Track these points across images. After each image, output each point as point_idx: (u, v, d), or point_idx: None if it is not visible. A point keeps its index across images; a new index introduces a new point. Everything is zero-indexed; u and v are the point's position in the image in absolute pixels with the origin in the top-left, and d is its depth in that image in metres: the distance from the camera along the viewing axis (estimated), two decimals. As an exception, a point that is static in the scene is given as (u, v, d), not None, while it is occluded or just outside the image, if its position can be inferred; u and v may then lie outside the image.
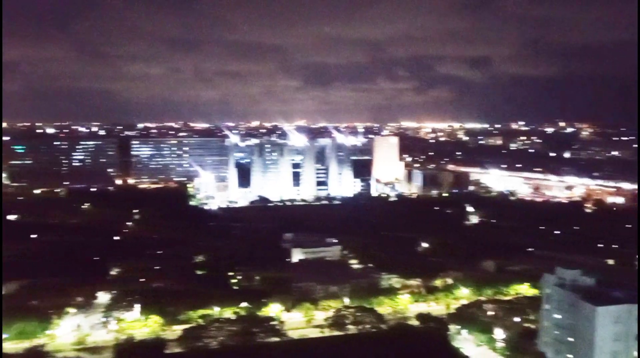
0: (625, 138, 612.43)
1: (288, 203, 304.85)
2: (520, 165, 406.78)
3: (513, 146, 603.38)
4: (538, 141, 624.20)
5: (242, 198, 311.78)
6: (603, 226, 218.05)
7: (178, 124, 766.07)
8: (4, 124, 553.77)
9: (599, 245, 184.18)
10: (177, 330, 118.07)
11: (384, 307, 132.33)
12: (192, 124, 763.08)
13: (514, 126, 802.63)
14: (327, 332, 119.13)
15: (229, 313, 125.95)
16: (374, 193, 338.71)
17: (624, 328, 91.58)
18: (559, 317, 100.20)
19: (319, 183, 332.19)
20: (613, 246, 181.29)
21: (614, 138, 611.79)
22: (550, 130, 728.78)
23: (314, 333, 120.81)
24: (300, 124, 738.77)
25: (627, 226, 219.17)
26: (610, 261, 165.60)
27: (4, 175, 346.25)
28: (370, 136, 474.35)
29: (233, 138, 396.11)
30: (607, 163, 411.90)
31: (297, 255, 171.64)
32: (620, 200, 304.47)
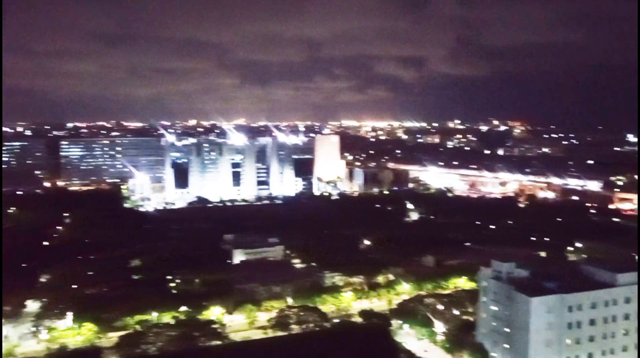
0: (555, 136, 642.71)
1: (228, 204, 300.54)
2: (457, 162, 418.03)
3: (450, 144, 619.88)
4: (473, 139, 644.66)
5: (179, 199, 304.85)
6: (535, 220, 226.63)
7: (110, 123, 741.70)
8: None
9: (532, 238, 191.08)
10: (112, 337, 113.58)
11: (328, 305, 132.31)
12: (125, 124, 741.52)
13: (450, 124, 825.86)
14: (271, 333, 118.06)
15: (167, 318, 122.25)
16: (315, 191, 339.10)
17: (556, 318, 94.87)
18: (496, 308, 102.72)
19: (260, 183, 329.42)
20: (545, 239, 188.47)
21: (544, 136, 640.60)
22: (484, 128, 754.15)
23: (257, 334, 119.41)
24: (239, 122, 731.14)
25: (557, 219, 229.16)
26: (543, 254, 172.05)
27: None
28: (311, 134, 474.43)
29: (169, 137, 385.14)
30: (538, 159, 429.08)
31: (238, 256, 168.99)
32: (550, 195, 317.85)
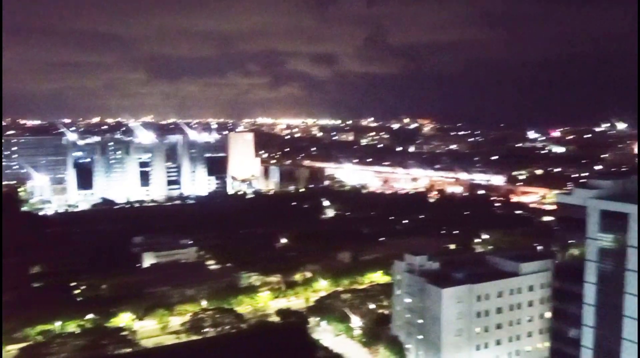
0: (462, 133, 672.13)
1: (136, 205, 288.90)
2: (371, 159, 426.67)
3: (364, 142, 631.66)
4: (386, 136, 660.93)
5: (83, 201, 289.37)
6: (445, 214, 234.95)
7: (6, 121, 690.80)
8: None
9: (442, 231, 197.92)
10: (11, 350, 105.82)
11: (244, 306, 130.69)
12: (22, 121, 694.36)
13: (364, 122, 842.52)
14: (184, 338, 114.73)
15: (72, 327, 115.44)
16: (230, 190, 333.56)
17: (465, 307, 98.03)
18: (409, 300, 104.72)
19: (171, 182, 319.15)
20: (454, 231, 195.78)
21: (451, 133, 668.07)
22: (396, 126, 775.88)
23: (170, 339, 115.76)
24: (147, 120, 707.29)
25: (465, 212, 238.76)
26: (452, 246, 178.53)
27: None
28: (224, 132, 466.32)
29: (71, 136, 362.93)
30: (446, 155, 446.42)
31: (148, 259, 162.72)
32: (459, 189, 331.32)
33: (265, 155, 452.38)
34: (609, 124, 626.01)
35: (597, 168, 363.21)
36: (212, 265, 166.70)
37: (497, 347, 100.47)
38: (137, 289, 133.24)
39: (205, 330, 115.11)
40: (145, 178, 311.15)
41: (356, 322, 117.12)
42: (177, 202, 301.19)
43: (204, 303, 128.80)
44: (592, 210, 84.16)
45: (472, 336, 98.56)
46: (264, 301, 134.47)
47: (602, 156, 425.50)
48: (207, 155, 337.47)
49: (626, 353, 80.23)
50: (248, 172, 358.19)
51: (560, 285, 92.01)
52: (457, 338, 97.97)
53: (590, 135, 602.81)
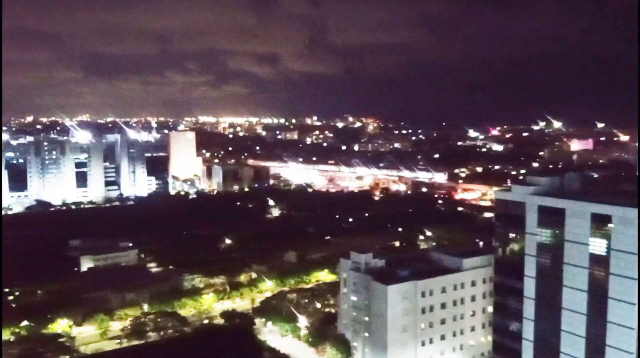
0: (405, 132, 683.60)
1: (73, 207, 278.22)
2: (316, 158, 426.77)
3: (308, 140, 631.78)
4: (330, 135, 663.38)
5: (16, 203, 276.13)
6: (389, 212, 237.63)
7: None
8: None
9: (387, 229, 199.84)
10: None
11: (188, 309, 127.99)
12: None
13: (308, 121, 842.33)
14: (125, 343, 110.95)
15: (7, 334, 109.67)
16: (171, 191, 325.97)
17: (410, 303, 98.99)
18: (355, 298, 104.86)
19: (109, 183, 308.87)
20: (399, 228, 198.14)
21: (395, 132, 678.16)
22: (340, 125, 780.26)
23: (111, 345, 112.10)
24: (83, 119, 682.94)
25: (409, 210, 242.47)
26: (397, 243, 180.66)
27: None
28: (165, 131, 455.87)
29: (2, 135, 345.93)
30: (390, 154, 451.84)
31: (86, 263, 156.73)
32: (402, 187, 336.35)
33: (208, 154, 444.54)
34: (545, 123, 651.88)
35: (534, 165, 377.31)
36: (153, 267, 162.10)
37: (442, 342, 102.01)
38: (75, 294, 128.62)
39: (147, 334, 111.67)
40: (82, 178, 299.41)
41: (303, 321, 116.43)
42: (116, 203, 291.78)
43: (146, 307, 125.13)
44: (530, 206, 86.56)
45: (418, 332, 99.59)
46: (208, 304, 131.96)
47: (539, 153, 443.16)
48: (147, 155, 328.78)
49: (566, 345, 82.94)
50: (190, 172, 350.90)
51: (501, 280, 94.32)
52: (403, 334, 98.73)
53: (528, 134, 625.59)
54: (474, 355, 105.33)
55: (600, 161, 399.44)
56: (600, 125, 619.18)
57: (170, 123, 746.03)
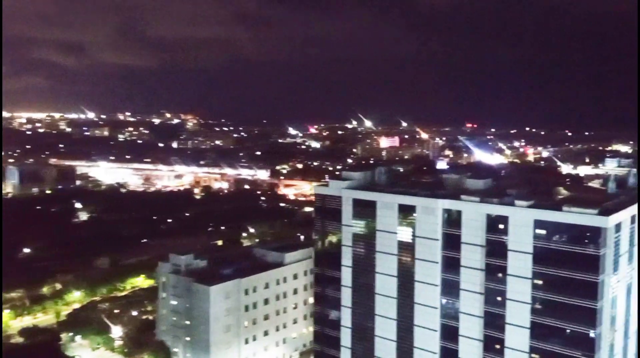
0: (226, 129, 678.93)
1: None
2: (130, 156, 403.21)
3: (121, 137, 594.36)
4: (146, 131, 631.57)
5: None
6: (211, 210, 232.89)
7: None
8: None
9: (209, 228, 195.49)
10: None
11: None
12: None
13: (120, 116, 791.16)
14: None
15: None
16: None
17: (234, 302, 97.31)
18: (176, 302, 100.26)
19: None
20: (221, 227, 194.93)
21: (215, 129, 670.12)
22: (157, 121, 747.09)
23: None
24: None
25: (232, 208, 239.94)
26: (220, 242, 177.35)
27: None
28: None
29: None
30: (211, 151, 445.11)
31: None
32: (225, 185, 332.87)
33: (2, 153, 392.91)
34: (357, 122, 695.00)
35: (349, 161, 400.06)
36: None
37: (265, 338, 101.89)
38: None
39: None
40: None
41: (117, 331, 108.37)
42: None
43: None
44: (346, 200, 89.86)
45: (241, 330, 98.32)
46: (4, 322, 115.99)
47: (353, 150, 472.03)
48: None
49: (379, 329, 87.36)
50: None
51: (321, 271, 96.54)
52: (226, 334, 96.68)
53: (342, 131, 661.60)
54: (296, 347, 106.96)
55: (405, 157, 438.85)
56: (404, 124, 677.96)
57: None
